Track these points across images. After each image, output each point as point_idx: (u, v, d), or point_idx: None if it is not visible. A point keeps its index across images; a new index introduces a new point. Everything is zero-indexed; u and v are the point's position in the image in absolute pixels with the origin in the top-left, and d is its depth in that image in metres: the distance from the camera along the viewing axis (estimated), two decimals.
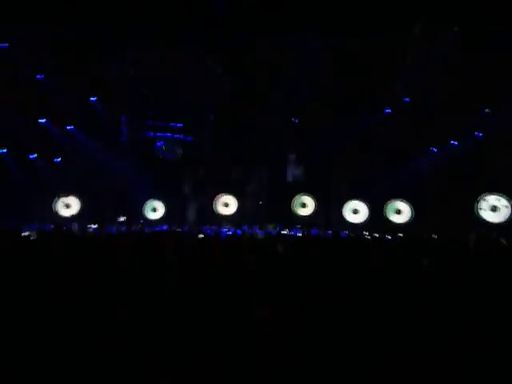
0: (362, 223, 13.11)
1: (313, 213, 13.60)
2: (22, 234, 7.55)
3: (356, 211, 13.35)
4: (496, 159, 11.37)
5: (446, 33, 9.43)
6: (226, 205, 14.22)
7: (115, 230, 10.03)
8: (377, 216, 13.05)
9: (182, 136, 11.20)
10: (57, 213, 13.05)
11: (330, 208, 13.93)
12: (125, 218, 11.78)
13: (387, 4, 9.05)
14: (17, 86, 11.49)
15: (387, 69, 11.13)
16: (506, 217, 11.29)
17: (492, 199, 11.64)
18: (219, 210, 14.08)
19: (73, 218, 12.30)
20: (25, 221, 10.75)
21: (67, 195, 12.90)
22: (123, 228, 10.62)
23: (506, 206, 11.30)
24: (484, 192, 11.73)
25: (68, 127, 13.18)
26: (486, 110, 11.95)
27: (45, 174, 13.31)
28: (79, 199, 13.23)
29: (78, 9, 9.54)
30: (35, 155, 13.12)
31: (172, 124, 10.92)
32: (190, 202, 14.37)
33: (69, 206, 13.21)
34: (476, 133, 12.47)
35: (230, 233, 10.02)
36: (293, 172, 14.07)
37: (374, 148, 13.04)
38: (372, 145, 13.07)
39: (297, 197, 13.81)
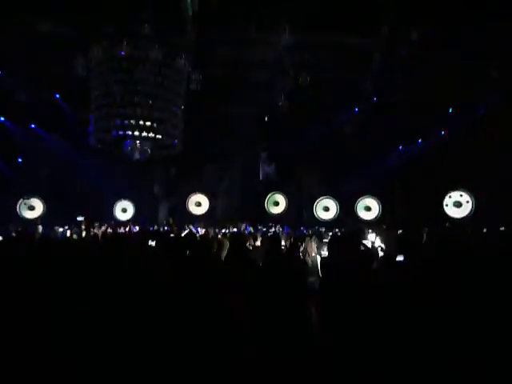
0: (332, 220, 13.31)
1: (284, 210, 13.68)
2: None
3: (327, 208, 13.53)
4: (459, 156, 11.86)
5: (407, 35, 9.76)
6: (199, 204, 14.07)
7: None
8: (347, 213, 13.30)
9: (150, 135, 10.98)
10: (20, 215, 12.47)
11: (301, 206, 14.08)
12: (83, 217, 11.40)
13: (356, 4, 9.20)
14: None
15: (356, 68, 11.34)
16: (468, 212, 11.77)
17: (456, 195, 12.08)
18: (191, 210, 13.92)
19: (37, 220, 11.78)
20: None
21: (30, 197, 12.34)
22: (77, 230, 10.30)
23: (467, 202, 11.77)
24: (449, 189, 12.16)
25: (31, 126, 12.66)
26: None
27: (6, 175, 12.71)
28: (43, 201, 12.68)
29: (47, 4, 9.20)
30: None
31: (140, 122, 10.68)
32: (161, 202, 14.15)
33: (33, 209, 12.65)
34: (440, 131, 13.02)
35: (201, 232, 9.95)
36: (265, 170, 14.12)
37: (343, 146, 13.29)
38: (342, 143, 13.32)
39: (269, 195, 13.86)
